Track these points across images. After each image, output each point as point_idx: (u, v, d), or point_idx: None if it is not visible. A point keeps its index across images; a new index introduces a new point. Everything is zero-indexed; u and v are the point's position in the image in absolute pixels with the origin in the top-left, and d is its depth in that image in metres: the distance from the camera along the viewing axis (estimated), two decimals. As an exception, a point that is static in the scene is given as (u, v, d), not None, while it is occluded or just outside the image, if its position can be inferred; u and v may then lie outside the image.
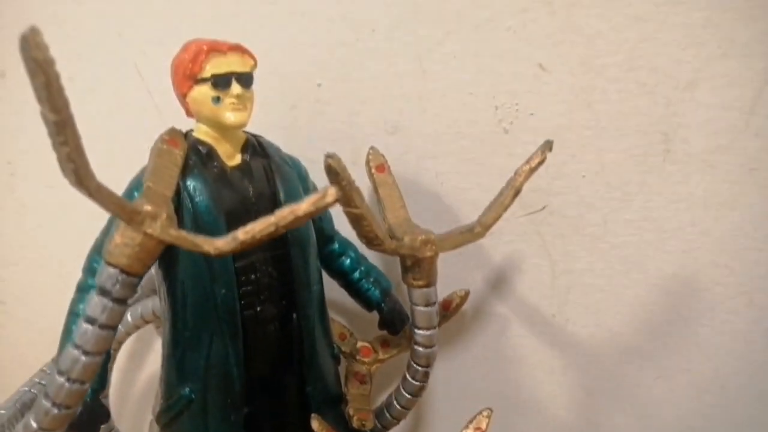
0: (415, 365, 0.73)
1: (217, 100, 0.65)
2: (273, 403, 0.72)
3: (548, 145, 0.66)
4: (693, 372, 0.86)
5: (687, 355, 0.85)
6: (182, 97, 0.67)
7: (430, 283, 0.68)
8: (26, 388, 0.84)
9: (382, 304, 0.81)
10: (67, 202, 1.01)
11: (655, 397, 0.88)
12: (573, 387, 0.91)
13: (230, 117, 0.65)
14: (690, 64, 0.74)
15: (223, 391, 0.67)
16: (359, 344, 0.83)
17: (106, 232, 0.66)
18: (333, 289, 0.80)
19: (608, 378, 0.89)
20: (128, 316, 0.87)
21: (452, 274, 0.84)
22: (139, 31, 0.90)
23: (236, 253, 0.57)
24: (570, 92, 0.78)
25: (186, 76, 0.65)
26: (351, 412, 0.77)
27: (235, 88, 0.65)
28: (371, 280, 0.81)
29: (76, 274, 1.05)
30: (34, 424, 0.56)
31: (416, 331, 0.71)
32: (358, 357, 0.82)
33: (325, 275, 0.77)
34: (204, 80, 0.64)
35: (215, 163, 0.67)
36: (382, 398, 0.82)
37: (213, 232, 0.63)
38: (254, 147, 0.71)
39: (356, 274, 0.81)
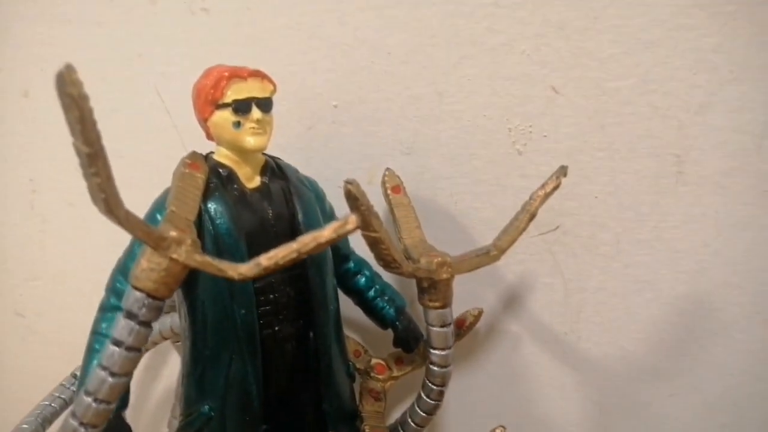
0: (430, 384, 0.74)
1: (237, 124, 0.66)
2: (290, 420, 0.73)
3: (563, 171, 0.67)
4: (706, 391, 0.86)
5: (700, 373, 0.86)
6: (203, 121, 0.69)
7: (446, 304, 0.69)
8: (47, 403, 0.85)
9: (397, 323, 0.82)
10: (86, 218, 1.04)
11: (667, 416, 0.89)
12: (585, 404, 0.92)
13: (250, 141, 0.67)
14: (702, 88, 0.75)
15: (242, 408, 0.68)
16: (373, 361, 0.84)
17: (129, 253, 0.67)
18: (347, 307, 0.81)
19: (621, 396, 0.90)
20: (147, 333, 0.88)
21: (466, 292, 0.85)
22: (159, 53, 0.92)
23: (257, 276, 0.58)
24: (583, 115, 0.79)
25: (207, 101, 0.67)
26: (366, 429, 0.78)
27: (255, 113, 0.66)
28: (386, 298, 0.82)
29: (95, 290, 1.07)
30: (63, 443, 0.58)
31: (432, 351, 0.72)
32: (372, 374, 0.83)
33: (340, 293, 0.79)
34: (225, 105, 0.66)
35: (235, 186, 0.69)
36: (396, 415, 0.83)
37: (234, 253, 0.65)
38: (273, 169, 0.72)
39: (371, 293, 0.82)
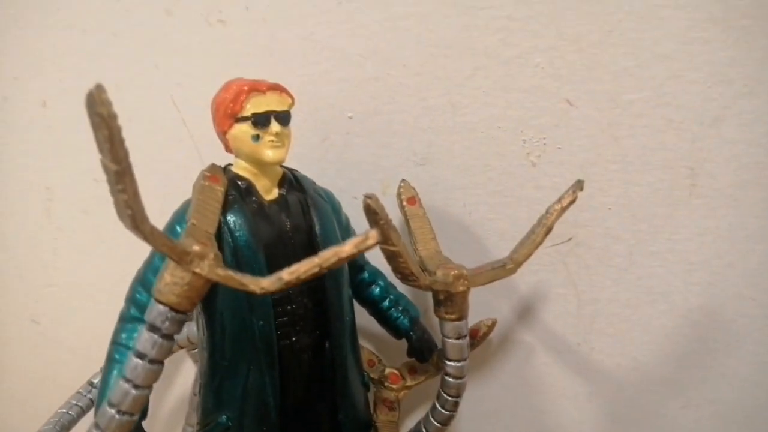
0: (444, 395, 0.75)
1: (256, 138, 0.67)
2: (306, 430, 0.73)
3: (579, 185, 0.67)
4: (719, 402, 0.86)
5: (713, 385, 0.86)
6: (222, 134, 0.70)
7: (462, 316, 0.70)
8: (64, 410, 0.86)
9: (411, 333, 0.83)
10: (101, 227, 1.05)
11: (680, 427, 0.89)
12: (598, 415, 0.92)
13: (269, 154, 0.68)
14: (716, 101, 0.75)
15: (259, 418, 0.69)
16: (387, 371, 0.85)
17: (149, 265, 0.68)
18: (361, 316, 0.82)
19: (633, 407, 0.90)
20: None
21: (479, 302, 0.85)
22: (176, 64, 0.93)
23: (276, 289, 0.59)
24: (597, 127, 0.80)
25: (227, 114, 0.68)
26: (381, 439, 0.78)
27: (274, 126, 0.67)
28: (400, 308, 0.83)
29: (109, 297, 1.08)
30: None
31: (447, 362, 0.72)
32: (386, 383, 0.84)
33: (354, 303, 0.79)
34: (244, 119, 0.67)
35: (254, 198, 0.69)
36: (409, 424, 0.84)
37: (252, 265, 0.66)
38: (290, 181, 0.73)
39: (386, 303, 0.83)
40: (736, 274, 0.81)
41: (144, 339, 0.56)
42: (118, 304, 0.70)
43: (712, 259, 0.81)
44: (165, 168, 0.95)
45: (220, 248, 0.65)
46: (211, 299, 0.67)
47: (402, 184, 0.80)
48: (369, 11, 0.83)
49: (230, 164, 0.72)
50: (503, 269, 0.68)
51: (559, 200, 0.67)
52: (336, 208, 0.77)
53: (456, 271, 0.67)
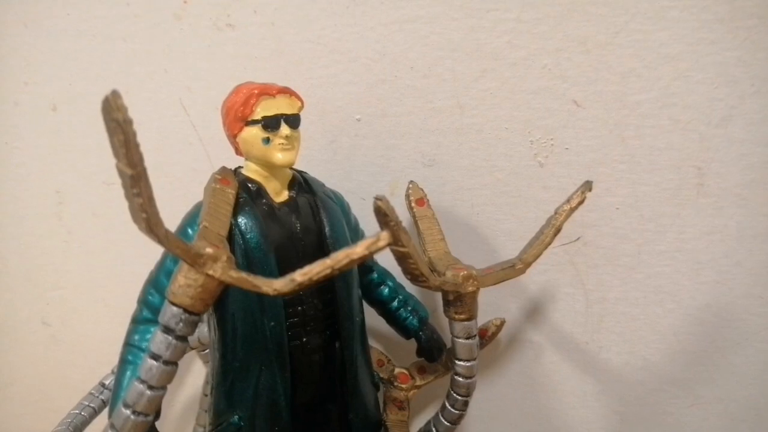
0: (454, 394, 0.75)
1: (266, 140, 0.68)
2: (317, 430, 0.74)
3: (588, 186, 0.68)
4: (727, 401, 0.87)
5: (721, 384, 0.86)
6: (232, 137, 0.70)
7: (472, 316, 0.70)
8: (77, 411, 0.86)
9: (420, 333, 0.83)
10: (111, 230, 1.06)
11: (688, 426, 0.89)
12: (606, 413, 0.93)
13: (279, 157, 0.68)
14: (723, 101, 0.76)
15: (270, 418, 0.70)
16: (397, 371, 0.85)
17: (161, 267, 0.68)
18: (370, 317, 0.82)
19: (641, 405, 0.91)
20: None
21: (488, 302, 0.86)
22: (184, 68, 0.94)
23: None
24: (604, 128, 0.80)
25: (237, 118, 0.68)
26: (391, 438, 0.79)
27: (284, 129, 0.68)
28: (409, 308, 0.83)
29: (119, 299, 1.10)
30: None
31: (457, 362, 0.73)
32: (395, 383, 0.85)
33: (363, 303, 0.80)
34: (254, 122, 0.67)
35: (264, 200, 0.70)
36: (419, 423, 0.84)
37: (263, 267, 0.66)
38: (300, 184, 0.74)
39: (395, 303, 0.83)
40: (744, 273, 0.81)
41: (158, 340, 0.56)
42: (128, 306, 0.70)
43: (720, 258, 0.82)
44: (174, 171, 0.96)
45: (232, 250, 0.65)
46: (223, 301, 0.68)
47: (411, 186, 0.80)
48: (376, 14, 0.84)
49: (240, 167, 0.73)
50: (512, 270, 0.69)
51: (568, 201, 0.67)
52: (345, 209, 0.77)
53: (465, 272, 0.68)
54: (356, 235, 0.78)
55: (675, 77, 0.76)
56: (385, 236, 0.53)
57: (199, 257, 0.55)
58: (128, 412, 0.57)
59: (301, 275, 0.53)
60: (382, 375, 0.84)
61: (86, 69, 0.98)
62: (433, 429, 0.80)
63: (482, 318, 0.83)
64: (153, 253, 0.68)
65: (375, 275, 0.83)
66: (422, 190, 0.80)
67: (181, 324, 0.56)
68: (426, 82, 0.85)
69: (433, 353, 0.83)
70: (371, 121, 0.88)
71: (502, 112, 0.83)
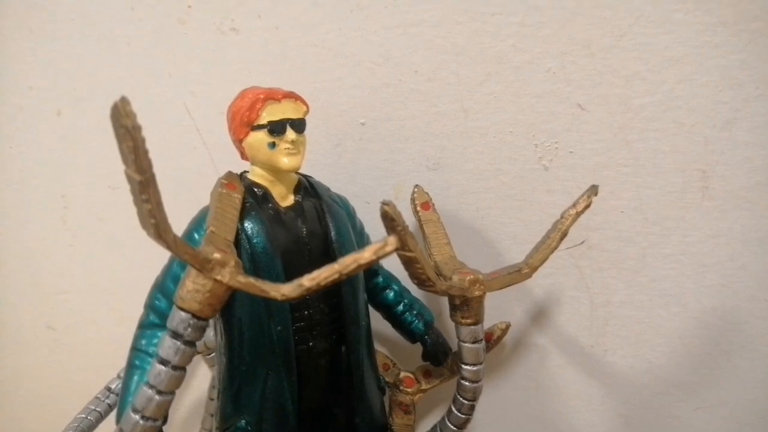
0: (461, 398, 0.76)
1: (272, 145, 0.68)
2: (323, 434, 0.74)
3: (594, 190, 0.68)
4: (732, 404, 0.87)
5: (726, 387, 0.86)
6: (238, 142, 0.70)
7: (478, 320, 0.70)
8: (83, 416, 0.86)
9: (426, 337, 0.83)
10: (116, 234, 1.06)
11: (694, 429, 0.89)
12: (611, 417, 0.93)
13: (285, 162, 0.68)
14: (727, 104, 0.76)
15: (277, 423, 0.70)
16: (402, 374, 0.85)
17: (168, 272, 0.68)
18: (375, 321, 0.82)
19: (647, 409, 0.91)
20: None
21: (493, 306, 0.86)
22: (189, 72, 0.94)
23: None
24: (608, 131, 0.80)
25: (243, 123, 0.68)
26: (398, 442, 0.79)
27: (290, 133, 0.68)
28: (414, 312, 0.83)
29: (123, 303, 1.10)
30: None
31: (463, 366, 0.73)
32: (401, 387, 0.85)
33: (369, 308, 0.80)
34: (260, 127, 0.68)
35: (270, 205, 0.70)
36: (425, 427, 0.84)
37: (270, 271, 0.67)
38: (306, 188, 0.74)
39: (400, 307, 0.83)
40: (749, 276, 0.81)
41: (167, 346, 0.56)
42: (133, 310, 0.70)
43: (725, 261, 0.82)
44: (179, 176, 0.96)
45: (238, 255, 0.65)
46: (230, 305, 0.68)
47: (416, 190, 0.80)
48: (380, 18, 0.84)
49: (246, 171, 0.73)
50: (519, 274, 0.69)
51: (574, 205, 0.68)
52: (351, 213, 0.77)
53: (472, 276, 0.68)
54: (362, 239, 0.78)
55: (679, 80, 0.76)
56: (392, 241, 0.53)
57: (207, 262, 0.55)
58: (137, 417, 0.57)
59: (309, 280, 0.54)
60: (387, 379, 0.84)
61: (91, 74, 0.98)
62: (439, 433, 0.80)
63: (487, 322, 0.82)
64: (158, 257, 0.68)
65: (380, 279, 0.83)
66: (427, 194, 0.80)
67: (189, 329, 0.56)
68: (430, 85, 0.85)
69: (438, 357, 0.83)
70: (376, 125, 0.88)
71: (507, 115, 0.83)
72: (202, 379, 1.09)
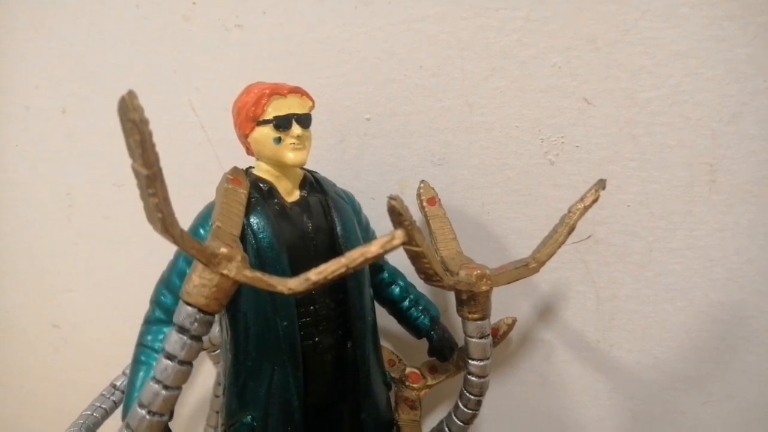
0: (468, 394, 0.75)
1: (278, 140, 0.68)
2: (329, 429, 0.74)
3: (602, 184, 0.68)
4: (739, 398, 0.86)
5: (733, 381, 0.86)
6: (244, 137, 0.70)
7: (485, 315, 0.70)
8: (89, 412, 0.86)
9: (432, 333, 0.83)
10: (121, 232, 1.06)
11: (701, 423, 0.89)
12: (618, 411, 0.92)
13: (291, 156, 0.68)
14: (734, 97, 0.75)
15: (283, 418, 0.70)
16: (408, 370, 0.85)
17: (174, 268, 0.68)
18: (381, 316, 0.82)
19: (653, 403, 0.90)
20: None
21: (499, 301, 0.85)
22: (194, 69, 0.94)
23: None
24: (614, 125, 0.80)
25: (249, 118, 0.68)
26: (404, 438, 0.79)
27: (296, 128, 0.68)
28: (420, 308, 0.83)
29: (129, 301, 1.10)
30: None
31: (470, 361, 0.73)
32: (407, 383, 0.85)
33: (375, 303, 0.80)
34: (266, 122, 0.68)
35: (276, 200, 0.70)
36: (431, 423, 0.84)
37: (276, 266, 0.67)
38: (311, 183, 0.74)
39: (406, 303, 0.83)
40: (756, 270, 0.81)
41: (173, 340, 0.56)
42: (139, 307, 0.71)
43: (732, 255, 0.81)
44: (184, 172, 0.96)
45: (244, 250, 0.65)
46: (235, 301, 0.68)
47: (422, 185, 0.80)
48: (385, 14, 0.84)
49: (251, 167, 0.73)
50: (526, 269, 0.68)
51: (582, 199, 0.67)
52: (356, 209, 0.77)
53: (479, 271, 0.67)
54: (367, 234, 0.78)
55: (685, 74, 0.76)
56: (399, 235, 0.53)
57: (213, 257, 0.55)
58: (143, 412, 0.57)
59: (316, 274, 0.54)
60: (393, 374, 0.84)
61: (96, 72, 0.98)
62: (446, 428, 0.80)
63: (493, 317, 0.82)
64: (163, 254, 0.69)
65: (386, 275, 0.83)
66: (434, 189, 0.80)
67: (195, 324, 0.56)
68: (435, 81, 0.85)
69: (444, 352, 0.83)
70: (381, 121, 0.88)
71: (512, 110, 0.83)
72: (207, 376, 1.09)
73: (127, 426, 0.58)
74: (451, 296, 0.73)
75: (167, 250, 0.65)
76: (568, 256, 0.87)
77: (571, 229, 0.68)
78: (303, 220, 0.71)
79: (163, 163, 0.89)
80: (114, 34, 0.95)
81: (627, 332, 0.88)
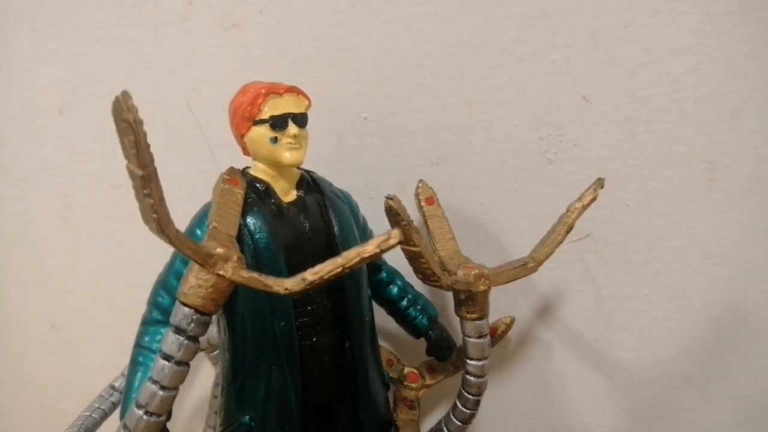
0: (466, 393, 0.75)
1: (274, 140, 0.67)
2: (328, 429, 0.74)
3: (600, 183, 0.67)
4: (739, 397, 0.86)
5: (733, 380, 0.86)
6: (240, 137, 0.70)
7: (483, 315, 0.70)
8: (87, 413, 0.86)
9: (430, 332, 0.83)
10: (119, 232, 1.06)
11: (700, 422, 0.88)
12: (618, 411, 0.92)
13: (287, 156, 0.68)
14: (733, 94, 0.75)
15: (281, 419, 0.69)
16: (406, 370, 0.85)
17: (171, 268, 0.68)
18: (379, 316, 0.82)
19: (654, 403, 0.90)
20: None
21: (497, 300, 0.85)
22: (191, 69, 0.94)
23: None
24: (613, 123, 0.80)
25: (245, 118, 0.68)
26: (402, 438, 0.79)
27: (292, 128, 0.68)
28: (418, 307, 0.83)
29: (127, 302, 1.09)
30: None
31: (468, 361, 0.73)
32: (405, 383, 0.84)
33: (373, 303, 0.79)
34: (262, 122, 0.67)
35: (272, 200, 0.70)
36: (429, 423, 0.84)
37: (273, 266, 0.66)
38: (308, 183, 0.73)
39: (404, 302, 0.83)
40: (756, 268, 0.81)
41: (170, 341, 0.56)
42: (137, 308, 0.70)
43: (732, 253, 0.81)
44: (180, 172, 0.95)
45: (241, 250, 0.65)
46: (232, 301, 0.67)
47: (420, 185, 0.80)
48: (383, 12, 0.84)
49: (248, 167, 0.73)
50: (524, 268, 0.68)
51: (580, 198, 0.67)
52: (353, 208, 0.77)
53: (477, 271, 0.67)
54: (365, 234, 0.78)
55: (685, 71, 0.76)
56: (395, 234, 0.52)
57: (209, 257, 0.55)
58: (141, 412, 0.57)
59: (312, 274, 0.53)
60: (392, 374, 0.84)
61: (92, 72, 0.98)
62: (444, 428, 0.80)
63: (492, 316, 0.82)
64: (161, 255, 0.68)
65: (384, 274, 0.83)
66: (432, 188, 0.80)
67: (192, 324, 0.56)
68: (433, 79, 0.84)
69: (443, 352, 0.83)
70: (379, 120, 0.88)
71: (511, 108, 0.83)
72: (205, 377, 1.09)
73: (125, 426, 0.58)
74: (450, 296, 0.73)
75: (166, 251, 0.65)
76: (567, 255, 0.86)
77: (570, 229, 0.67)
78: (300, 220, 0.70)
79: (160, 163, 0.89)
80: (110, 34, 0.95)
81: (626, 331, 0.88)
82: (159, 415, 0.58)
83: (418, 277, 0.64)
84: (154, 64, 0.95)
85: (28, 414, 1.25)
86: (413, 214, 0.79)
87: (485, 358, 0.72)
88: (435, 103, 0.85)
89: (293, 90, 0.70)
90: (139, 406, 0.57)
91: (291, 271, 0.65)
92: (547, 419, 0.95)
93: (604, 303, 0.88)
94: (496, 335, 0.84)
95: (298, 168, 0.73)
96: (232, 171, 0.71)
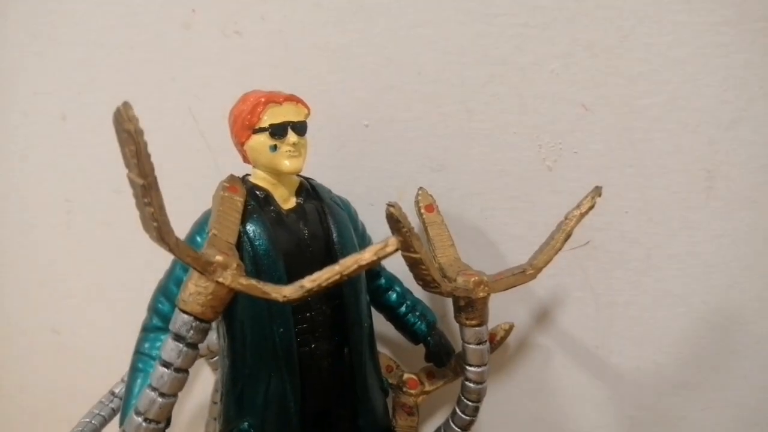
0: (465, 400, 0.75)
1: (274, 148, 0.68)
2: (327, 436, 0.74)
3: (598, 191, 0.68)
4: (739, 405, 0.86)
5: (733, 387, 0.86)
6: (240, 145, 0.71)
7: (483, 322, 0.70)
8: (87, 420, 0.86)
9: (429, 338, 0.83)
10: (121, 238, 1.06)
11: (700, 430, 0.89)
12: (617, 418, 0.92)
13: (287, 164, 0.68)
14: (732, 103, 0.75)
15: (280, 425, 0.70)
16: (405, 376, 0.85)
17: (171, 275, 0.68)
18: (377, 322, 0.82)
19: (653, 410, 0.90)
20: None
21: (497, 306, 0.85)
22: (193, 76, 0.94)
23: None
24: (612, 131, 0.80)
25: (244, 126, 0.68)
26: (401, 444, 0.79)
27: (291, 136, 0.68)
28: (417, 314, 0.83)
29: (128, 308, 1.09)
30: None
31: (468, 367, 0.73)
32: (404, 389, 0.85)
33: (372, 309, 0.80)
34: (262, 130, 0.68)
35: (272, 207, 0.70)
36: (428, 430, 0.84)
37: (272, 274, 0.67)
38: (308, 190, 0.74)
39: (403, 308, 0.83)
40: (755, 276, 0.81)
41: (169, 348, 0.57)
42: (138, 314, 0.70)
43: (731, 261, 0.81)
44: (183, 179, 0.96)
45: (241, 257, 0.65)
46: (231, 308, 0.68)
47: (420, 192, 0.80)
48: (384, 20, 0.84)
49: (248, 174, 0.73)
50: (523, 275, 0.69)
51: (578, 206, 0.67)
52: (352, 215, 0.77)
53: (476, 278, 0.68)
54: (363, 240, 0.78)
55: (683, 80, 0.76)
56: (393, 242, 0.53)
57: (209, 265, 0.55)
58: (140, 419, 0.57)
59: (310, 281, 0.54)
60: (390, 381, 0.84)
61: (95, 78, 0.98)
62: (444, 435, 0.80)
63: (491, 323, 0.82)
64: (162, 261, 0.68)
65: (382, 281, 0.83)
66: (431, 196, 0.80)
67: (191, 332, 0.57)
68: (434, 87, 0.85)
69: (441, 358, 0.83)
70: (379, 127, 0.88)
71: (511, 116, 0.83)
72: (205, 383, 1.09)
73: (124, 433, 0.58)
74: (449, 302, 0.73)
75: (166, 257, 0.65)
76: (567, 262, 0.86)
77: (568, 236, 0.68)
78: (299, 228, 0.71)
79: (162, 170, 0.89)
80: (113, 41, 0.96)
81: (626, 338, 0.88)
82: (158, 422, 0.58)
83: (419, 284, 0.65)
84: (157, 70, 0.96)
85: (28, 419, 1.25)
86: (413, 221, 0.79)
87: (485, 365, 0.72)
88: (435, 110, 0.85)
89: (292, 99, 0.70)
90: (138, 413, 0.57)
91: (290, 278, 0.65)
92: (546, 425, 0.95)
93: (604, 310, 0.88)
94: (495, 342, 0.84)
95: (298, 175, 0.73)
96: (231, 178, 0.71)
